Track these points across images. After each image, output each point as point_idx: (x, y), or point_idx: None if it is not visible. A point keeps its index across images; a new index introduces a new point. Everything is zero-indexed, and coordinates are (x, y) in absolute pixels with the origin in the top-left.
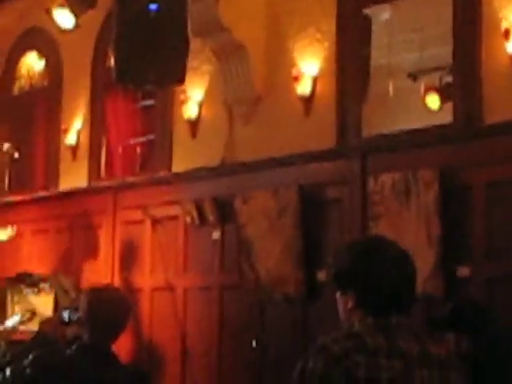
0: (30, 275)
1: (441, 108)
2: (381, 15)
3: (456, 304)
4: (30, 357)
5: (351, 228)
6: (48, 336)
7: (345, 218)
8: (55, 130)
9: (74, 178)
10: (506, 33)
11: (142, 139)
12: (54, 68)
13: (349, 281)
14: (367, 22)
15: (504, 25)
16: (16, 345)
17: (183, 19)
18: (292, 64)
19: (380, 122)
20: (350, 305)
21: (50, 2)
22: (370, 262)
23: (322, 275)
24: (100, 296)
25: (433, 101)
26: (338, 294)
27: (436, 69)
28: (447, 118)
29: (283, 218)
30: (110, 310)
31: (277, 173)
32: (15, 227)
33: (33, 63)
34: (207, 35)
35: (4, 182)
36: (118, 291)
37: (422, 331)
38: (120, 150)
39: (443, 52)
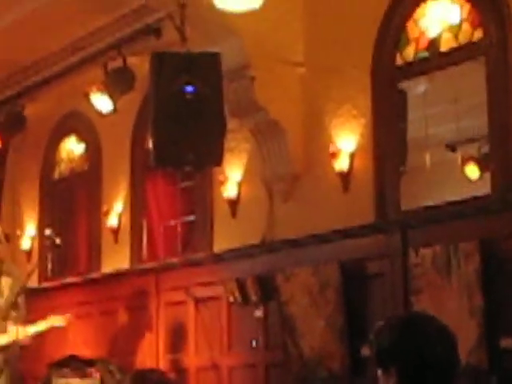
0: (75, 359)
1: (481, 178)
2: (416, 88)
3: (500, 376)
4: None
5: (393, 302)
6: None
7: (386, 293)
8: (96, 213)
9: (116, 260)
10: None
11: (182, 220)
12: (93, 152)
13: (390, 359)
14: (402, 95)
15: None
16: None
17: (219, 100)
18: (329, 140)
19: (419, 194)
20: (391, 382)
21: (88, 86)
22: (411, 340)
23: (365, 350)
24: (145, 379)
25: (472, 171)
26: (379, 372)
27: (473, 139)
28: (486, 188)
29: (325, 294)
30: None
31: (317, 249)
32: (69, 315)
33: (72, 147)
34: (244, 115)
35: (47, 267)
36: (163, 373)
37: None
38: (161, 231)
39: (479, 122)
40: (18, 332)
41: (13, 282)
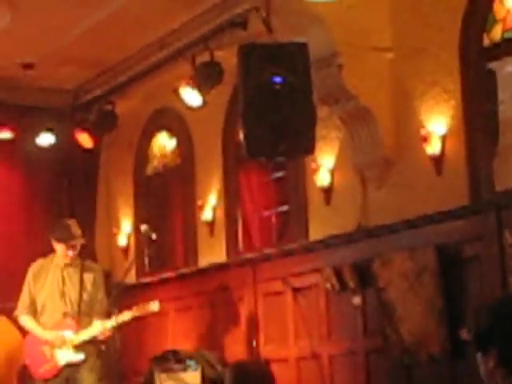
0: (176, 352)
1: None
2: (505, 68)
3: None
4: None
5: (490, 284)
6: None
7: (484, 274)
8: (191, 207)
9: (212, 253)
10: None
11: (276, 210)
12: (185, 146)
13: (489, 341)
14: (492, 76)
15: None
16: None
17: (308, 89)
18: (420, 125)
19: None
20: (491, 364)
21: (177, 81)
22: (510, 322)
23: (464, 333)
24: (244, 370)
25: None
26: (478, 355)
27: None
28: None
29: (422, 279)
30: (256, 383)
31: (412, 234)
32: (157, 302)
33: (164, 143)
34: (333, 103)
35: (144, 262)
36: (262, 364)
37: None
38: (256, 222)
39: None
40: (103, 326)
41: (94, 278)
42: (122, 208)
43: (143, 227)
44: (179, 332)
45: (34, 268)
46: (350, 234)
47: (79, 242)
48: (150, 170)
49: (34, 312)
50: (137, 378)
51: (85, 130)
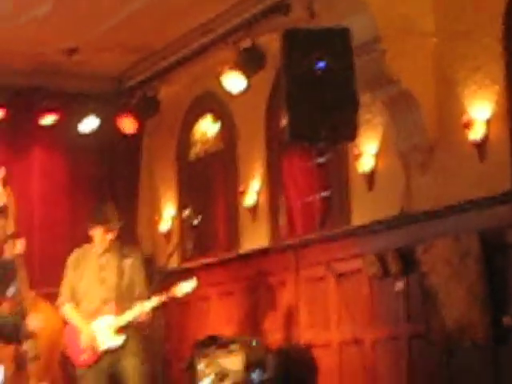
0: (218, 338)
1: None
2: None
3: None
4: None
5: None
6: None
7: None
8: (233, 192)
9: (255, 238)
10: None
11: (319, 195)
12: (228, 131)
13: None
14: None
15: None
16: None
17: (351, 74)
18: (462, 110)
19: None
20: None
21: (220, 67)
22: None
23: (507, 320)
24: (287, 355)
25: None
26: None
27: None
28: None
29: (465, 264)
30: (298, 369)
31: (456, 219)
32: (195, 279)
33: (207, 128)
34: (376, 88)
35: (186, 247)
36: (305, 349)
37: None
38: (299, 207)
39: None
40: (142, 308)
41: (133, 262)
42: (165, 193)
43: (186, 212)
44: (221, 317)
45: (72, 257)
46: (392, 220)
47: (116, 225)
48: (192, 156)
49: (74, 300)
50: (179, 363)
51: (128, 115)
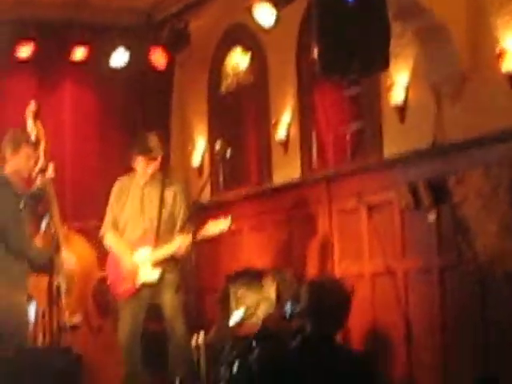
0: (250, 271)
1: None
2: None
3: None
4: (256, 352)
5: None
6: (272, 330)
7: None
8: (265, 125)
9: (287, 171)
10: None
11: (351, 127)
12: (259, 63)
13: None
14: None
15: None
16: (241, 340)
17: (382, 4)
18: (495, 41)
19: None
20: None
21: None
22: None
23: None
24: (320, 288)
25: None
26: None
27: None
28: None
29: (497, 195)
30: (331, 300)
31: (487, 150)
32: (229, 217)
33: (238, 60)
34: (408, 18)
35: (218, 181)
36: (337, 281)
37: None
38: (330, 139)
39: None
40: (182, 242)
41: (175, 194)
42: (196, 127)
43: (217, 145)
44: (254, 250)
45: (116, 187)
46: (424, 151)
47: (159, 154)
48: (223, 88)
49: (116, 230)
50: (213, 295)
51: (158, 49)
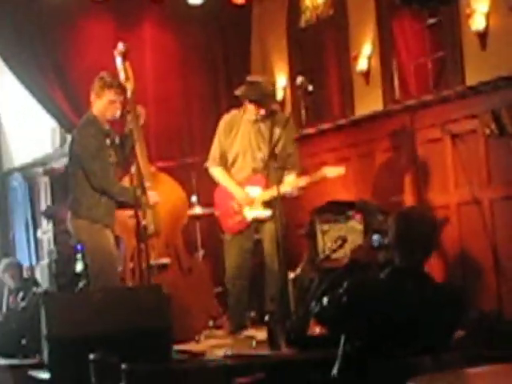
0: (337, 203)
1: None
2: None
3: None
4: (345, 284)
5: None
6: (360, 262)
7: None
8: (345, 57)
9: (369, 102)
10: None
11: (432, 57)
12: None
13: None
14: None
15: None
16: (329, 273)
17: None
18: None
19: None
20: None
21: None
22: None
23: None
24: (408, 218)
25: None
26: None
27: None
28: None
29: None
30: (419, 230)
31: None
32: (343, 168)
33: None
34: None
35: (301, 115)
36: (424, 211)
37: None
38: (411, 70)
39: None
40: (294, 183)
41: (286, 131)
42: (277, 62)
43: (299, 79)
44: (339, 183)
45: (224, 121)
46: (507, 78)
47: (272, 103)
48: (302, 22)
49: (224, 165)
50: (299, 230)
51: None
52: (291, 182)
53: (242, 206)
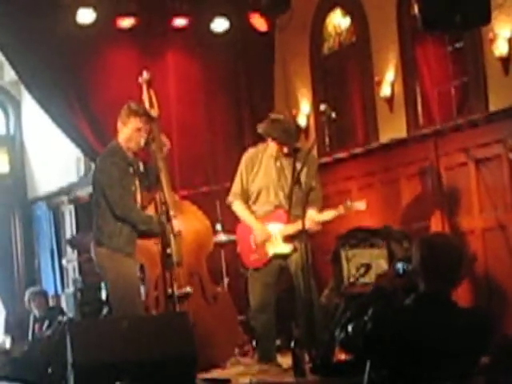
0: (361, 230)
1: None
2: None
3: None
4: (370, 312)
5: None
6: (385, 289)
7: None
8: (369, 84)
9: (393, 129)
10: None
11: (455, 83)
12: (359, 23)
13: None
14: None
15: None
16: (354, 300)
17: None
18: None
19: None
20: None
21: None
22: None
23: None
24: (432, 244)
25: None
26: None
27: None
28: None
29: None
30: (443, 257)
31: None
32: (364, 202)
33: (338, 21)
34: None
35: (325, 142)
36: (449, 238)
37: None
38: (435, 96)
39: None
40: (316, 218)
41: (308, 167)
42: (300, 89)
43: (322, 106)
44: (363, 210)
45: (246, 157)
46: None
47: (295, 141)
48: (326, 50)
49: (246, 201)
50: (324, 256)
51: (258, 12)
52: (310, 218)
53: (262, 241)
